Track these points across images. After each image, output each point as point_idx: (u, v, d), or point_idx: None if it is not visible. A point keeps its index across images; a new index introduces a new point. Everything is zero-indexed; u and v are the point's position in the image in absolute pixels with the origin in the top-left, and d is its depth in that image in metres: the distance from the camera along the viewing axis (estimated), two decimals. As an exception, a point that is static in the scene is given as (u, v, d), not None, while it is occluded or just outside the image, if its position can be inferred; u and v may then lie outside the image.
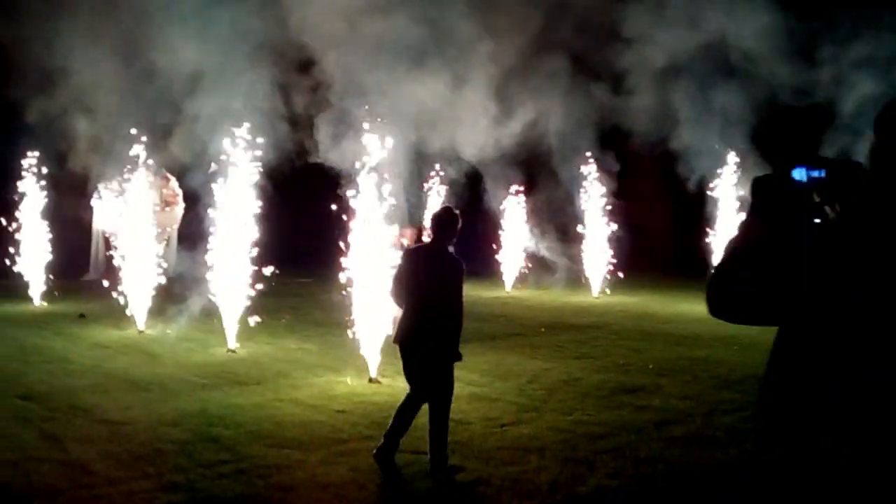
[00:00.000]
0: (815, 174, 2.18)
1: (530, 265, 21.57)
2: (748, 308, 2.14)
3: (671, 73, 15.68)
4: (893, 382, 1.94)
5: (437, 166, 19.30)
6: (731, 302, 2.15)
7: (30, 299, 16.94)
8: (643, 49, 15.05)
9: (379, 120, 9.93)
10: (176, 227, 22.54)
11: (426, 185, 20.78)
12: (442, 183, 21.00)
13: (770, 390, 2.14)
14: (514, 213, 22.04)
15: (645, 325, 13.69)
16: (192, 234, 17.00)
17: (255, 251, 12.20)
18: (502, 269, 21.45)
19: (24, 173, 18.01)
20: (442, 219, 6.56)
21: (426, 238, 11.08)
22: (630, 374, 9.93)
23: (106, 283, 15.22)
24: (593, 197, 20.41)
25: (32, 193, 18.11)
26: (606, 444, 6.86)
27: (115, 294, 14.44)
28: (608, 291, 18.87)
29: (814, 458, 2.01)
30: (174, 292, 14.67)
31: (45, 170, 18.26)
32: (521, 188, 21.97)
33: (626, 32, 14.89)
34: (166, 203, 21.80)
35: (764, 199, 2.20)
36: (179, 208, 22.77)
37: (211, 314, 12.46)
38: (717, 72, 15.59)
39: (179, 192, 22.41)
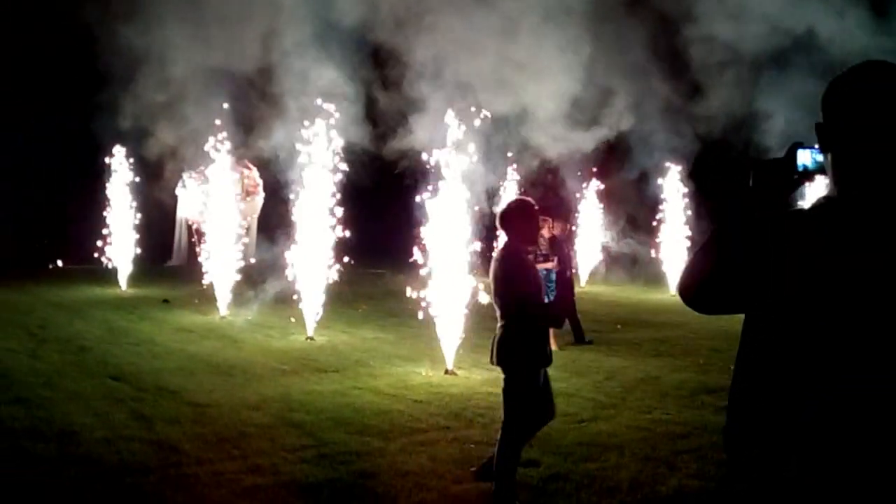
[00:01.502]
0: (822, 157, 2.05)
1: (606, 260, 21.37)
2: (731, 302, 2.03)
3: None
4: (870, 398, 1.80)
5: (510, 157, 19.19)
6: (718, 297, 2.04)
7: (117, 284, 17.53)
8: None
9: (470, 109, 9.97)
10: (256, 216, 23.07)
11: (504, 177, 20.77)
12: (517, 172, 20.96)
13: (735, 410, 2.00)
14: (588, 206, 21.87)
15: (724, 324, 13.35)
16: (271, 224, 17.40)
17: (334, 241, 12.39)
18: (576, 263, 21.28)
19: (112, 163, 18.62)
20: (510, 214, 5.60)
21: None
22: (710, 374, 9.73)
23: (188, 270, 15.69)
24: (672, 191, 20.10)
25: (121, 183, 18.72)
26: (687, 445, 6.74)
27: (197, 281, 14.86)
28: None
29: (778, 490, 1.89)
30: (254, 280, 15.04)
31: (132, 160, 18.86)
32: (598, 181, 21.78)
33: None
34: (247, 192, 22.30)
35: (765, 186, 2.07)
36: (259, 197, 23.31)
37: (289, 301, 12.70)
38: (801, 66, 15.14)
39: (260, 181, 22.94)
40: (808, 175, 2.08)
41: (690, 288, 2.06)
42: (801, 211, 2.00)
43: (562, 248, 11.59)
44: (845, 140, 1.93)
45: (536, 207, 5.68)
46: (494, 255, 5.68)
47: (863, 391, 1.81)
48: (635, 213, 21.94)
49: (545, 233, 11.34)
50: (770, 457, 1.93)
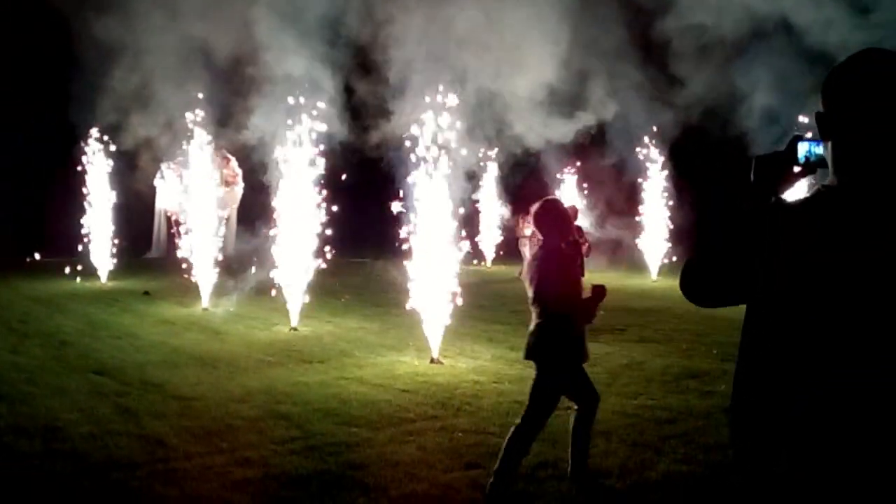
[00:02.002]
0: (823, 150, 2.05)
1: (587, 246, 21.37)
2: (729, 294, 2.04)
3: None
4: (860, 393, 1.79)
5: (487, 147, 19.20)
6: (714, 289, 2.05)
7: (97, 276, 17.36)
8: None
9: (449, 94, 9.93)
10: (235, 206, 22.91)
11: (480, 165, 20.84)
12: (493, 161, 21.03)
13: (735, 403, 2.00)
14: (568, 193, 21.93)
15: (707, 310, 13.51)
16: (251, 214, 17.30)
17: (316, 231, 12.34)
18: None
19: (88, 153, 18.40)
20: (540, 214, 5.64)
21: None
22: (693, 358, 9.82)
23: (168, 261, 15.58)
24: (653, 177, 20.18)
25: (98, 174, 18.52)
26: (674, 430, 6.80)
27: (177, 272, 14.75)
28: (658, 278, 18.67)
29: (769, 484, 1.90)
30: (234, 271, 14.96)
31: (109, 150, 18.65)
32: (575, 168, 21.84)
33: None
34: (226, 182, 22.13)
35: (766, 179, 2.07)
36: (239, 188, 23.15)
37: (271, 292, 12.64)
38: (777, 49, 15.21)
39: (239, 171, 22.78)
40: (809, 167, 2.08)
41: (687, 282, 2.07)
42: (798, 200, 1.99)
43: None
44: (845, 128, 1.93)
45: (565, 205, 5.84)
46: (528, 252, 5.87)
47: (853, 385, 1.80)
48: (614, 197, 22.02)
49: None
50: (763, 451, 1.93)
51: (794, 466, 1.85)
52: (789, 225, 1.91)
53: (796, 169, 2.08)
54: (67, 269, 17.41)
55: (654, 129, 19.59)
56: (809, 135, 2.18)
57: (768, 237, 1.92)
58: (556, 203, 5.75)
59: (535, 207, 5.68)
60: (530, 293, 5.45)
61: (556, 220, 5.55)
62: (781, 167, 2.08)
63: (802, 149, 2.06)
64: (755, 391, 1.94)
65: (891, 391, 1.76)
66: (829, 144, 1.97)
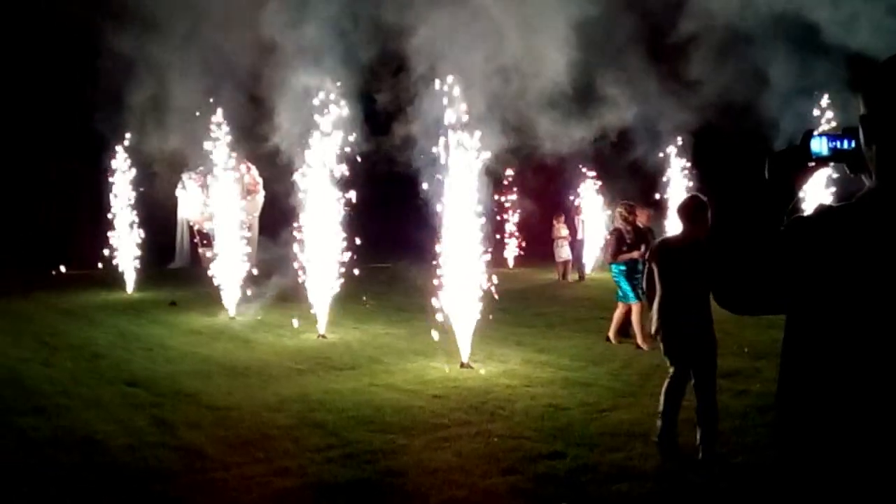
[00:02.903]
0: (838, 144, 2.01)
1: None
2: (760, 301, 1.99)
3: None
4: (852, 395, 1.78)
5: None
6: (741, 295, 2.00)
7: (123, 288, 17.49)
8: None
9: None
10: (257, 214, 23.03)
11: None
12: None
13: (778, 409, 1.98)
14: (590, 197, 21.92)
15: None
16: (273, 222, 17.37)
17: (342, 239, 12.37)
18: (583, 251, 21.34)
19: (113, 165, 18.55)
20: (691, 207, 6.25)
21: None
22: (724, 357, 9.56)
23: (192, 271, 15.66)
24: (674, 176, 20.13)
25: (123, 186, 18.67)
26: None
27: (202, 282, 14.84)
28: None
29: (812, 485, 1.87)
30: (259, 279, 15.03)
31: (131, 161, 18.78)
32: (595, 173, 21.84)
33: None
34: (248, 191, 22.25)
35: (779, 176, 2.03)
36: (260, 196, 23.27)
37: (296, 299, 12.69)
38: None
39: (260, 180, 22.89)
40: (822, 162, 2.05)
41: (720, 292, 2.04)
42: (837, 207, 1.95)
43: (646, 236, 11.22)
44: (891, 131, 1.88)
45: (705, 200, 6.30)
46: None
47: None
48: (635, 194, 21.92)
49: (639, 221, 11.35)
50: (808, 454, 1.88)
51: (835, 470, 1.82)
52: (830, 233, 1.87)
53: (811, 164, 2.05)
54: (93, 282, 17.55)
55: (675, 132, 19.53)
56: (822, 128, 2.14)
57: (807, 247, 1.88)
58: (698, 199, 6.32)
59: (682, 200, 6.50)
60: (693, 283, 5.90)
61: (698, 213, 6.19)
62: (796, 163, 2.05)
63: (815, 143, 2.03)
64: (798, 400, 1.91)
65: None
66: (874, 148, 1.92)
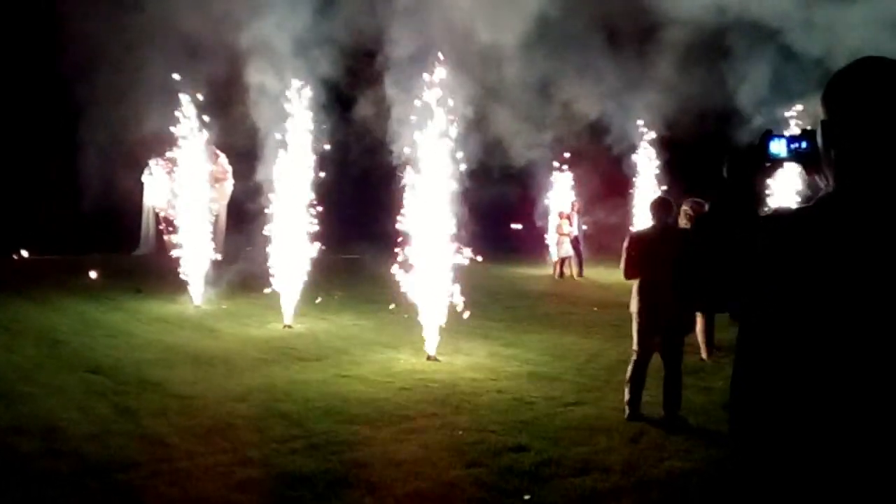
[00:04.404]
0: (796, 145, 2.06)
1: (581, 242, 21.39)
2: (717, 299, 2.04)
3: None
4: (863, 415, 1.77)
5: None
6: (699, 290, 2.05)
7: (87, 274, 17.23)
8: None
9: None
10: (225, 202, 22.81)
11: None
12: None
13: (737, 407, 1.99)
14: (559, 192, 22.00)
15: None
16: (240, 211, 17.24)
17: (309, 228, 12.33)
18: (550, 247, 21.43)
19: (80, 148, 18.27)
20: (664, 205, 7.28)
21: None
22: (689, 355, 9.78)
23: (157, 258, 15.48)
24: (643, 173, 20.32)
25: (89, 171, 18.40)
26: (674, 426, 6.84)
27: (168, 269, 14.68)
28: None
29: (770, 480, 1.88)
30: (225, 268, 14.92)
31: (97, 146, 18.52)
32: (566, 166, 21.92)
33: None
34: (216, 179, 22.00)
35: (737, 176, 2.08)
36: (228, 184, 23.03)
37: (263, 289, 12.62)
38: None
39: (229, 168, 22.67)
40: (778, 162, 2.10)
41: (677, 285, 2.08)
42: (794, 210, 1.99)
43: None
44: (849, 137, 1.92)
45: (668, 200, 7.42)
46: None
47: (858, 407, 1.76)
48: (608, 191, 22.11)
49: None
50: (762, 447, 1.91)
51: (793, 465, 1.85)
52: (786, 235, 1.90)
53: (768, 164, 2.10)
54: (56, 267, 17.28)
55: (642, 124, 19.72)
56: (788, 131, 2.19)
57: (763, 249, 1.91)
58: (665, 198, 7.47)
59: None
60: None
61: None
62: (753, 162, 2.09)
63: (774, 145, 2.08)
64: (753, 398, 1.93)
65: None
66: (833, 153, 1.95)
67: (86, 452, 6.07)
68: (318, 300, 13.32)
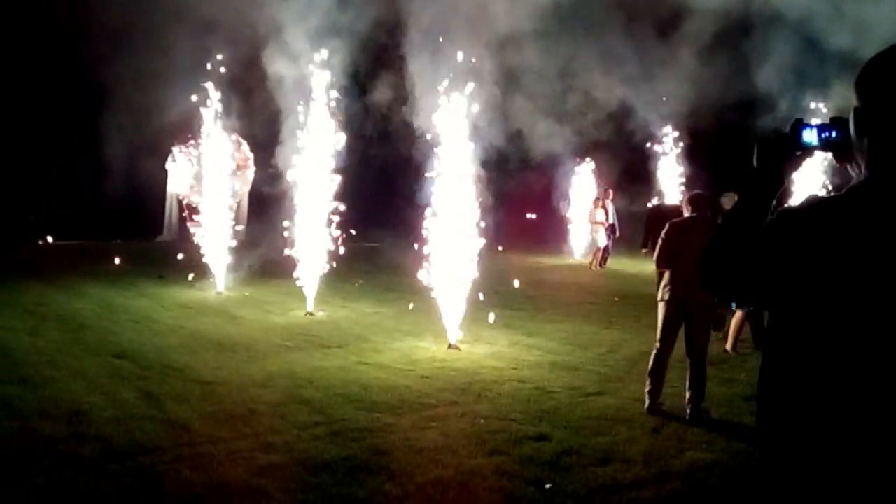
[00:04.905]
0: (827, 134, 2.03)
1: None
2: (741, 289, 2.01)
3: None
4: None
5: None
6: (724, 280, 2.00)
7: (111, 260, 17.38)
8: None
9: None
10: (247, 190, 22.93)
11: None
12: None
13: (760, 406, 1.97)
14: (582, 183, 21.91)
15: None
16: (263, 198, 17.30)
17: (333, 216, 12.35)
18: (570, 236, 21.35)
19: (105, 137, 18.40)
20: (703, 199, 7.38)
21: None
22: (711, 346, 9.74)
23: (180, 245, 15.57)
24: (665, 168, 20.19)
25: (113, 158, 18.53)
26: (697, 418, 6.80)
27: (190, 256, 14.77)
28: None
29: (795, 475, 1.86)
30: (247, 255, 14.99)
31: (123, 136, 18.65)
32: (589, 159, 21.82)
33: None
34: (237, 166, 22.11)
35: (767, 164, 2.05)
36: (250, 172, 23.15)
37: (285, 276, 12.67)
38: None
39: (250, 155, 22.77)
40: (809, 151, 2.06)
41: (704, 273, 2.04)
42: (826, 198, 1.95)
43: None
44: (884, 125, 1.88)
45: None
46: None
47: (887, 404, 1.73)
48: (629, 182, 21.99)
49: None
50: (789, 442, 1.89)
51: (816, 461, 1.82)
52: (819, 225, 1.86)
53: (798, 153, 2.06)
54: (81, 253, 17.44)
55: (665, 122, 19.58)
56: (815, 120, 2.15)
57: (795, 239, 1.87)
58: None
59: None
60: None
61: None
62: (784, 151, 2.05)
63: (806, 134, 2.04)
64: (781, 391, 1.90)
65: None
66: (865, 141, 1.92)
67: (109, 436, 6.12)
68: (357, 284, 13.27)
